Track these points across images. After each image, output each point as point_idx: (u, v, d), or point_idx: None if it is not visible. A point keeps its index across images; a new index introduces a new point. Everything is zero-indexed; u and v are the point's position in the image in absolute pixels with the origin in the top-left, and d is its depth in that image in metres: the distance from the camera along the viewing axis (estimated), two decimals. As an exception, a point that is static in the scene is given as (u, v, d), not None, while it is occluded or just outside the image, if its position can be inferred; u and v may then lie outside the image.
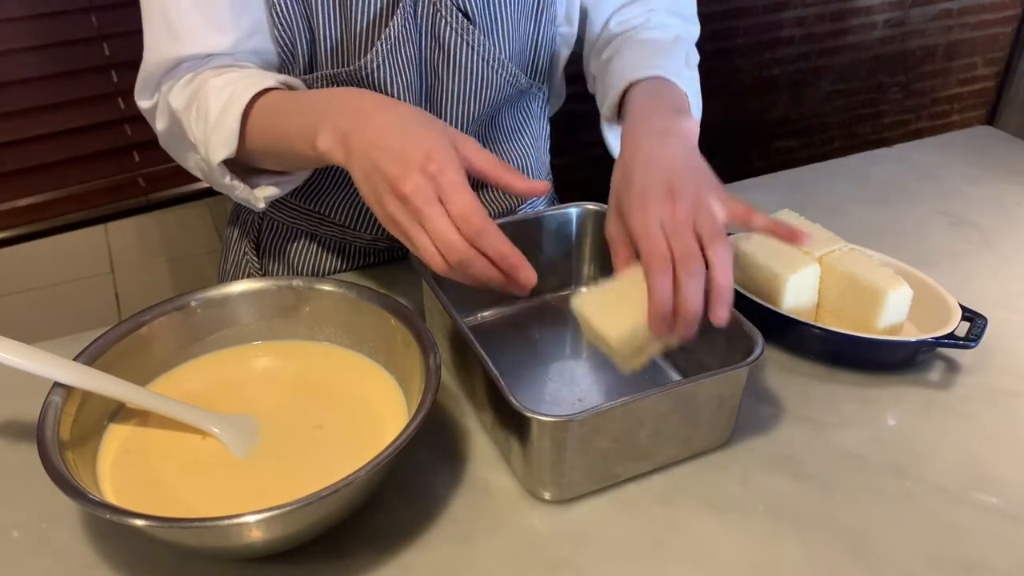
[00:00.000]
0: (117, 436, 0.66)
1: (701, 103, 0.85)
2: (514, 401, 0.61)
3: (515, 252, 0.63)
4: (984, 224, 1.03)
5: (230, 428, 0.66)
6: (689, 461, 0.69)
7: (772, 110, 2.29)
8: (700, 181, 0.65)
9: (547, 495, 0.65)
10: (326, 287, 0.74)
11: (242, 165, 0.78)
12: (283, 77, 0.77)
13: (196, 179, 0.84)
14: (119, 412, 0.68)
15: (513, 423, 0.64)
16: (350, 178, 0.66)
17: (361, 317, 0.72)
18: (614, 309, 0.66)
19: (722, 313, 0.61)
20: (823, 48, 2.26)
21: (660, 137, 0.70)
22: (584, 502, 0.66)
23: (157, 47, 0.77)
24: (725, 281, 0.61)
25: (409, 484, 0.67)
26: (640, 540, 0.63)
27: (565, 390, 0.76)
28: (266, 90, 0.73)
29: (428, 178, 0.61)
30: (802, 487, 0.67)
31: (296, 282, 0.74)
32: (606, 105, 0.84)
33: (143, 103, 0.81)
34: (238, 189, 0.77)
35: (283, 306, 0.74)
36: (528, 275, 0.64)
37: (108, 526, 0.63)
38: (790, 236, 0.66)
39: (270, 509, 0.53)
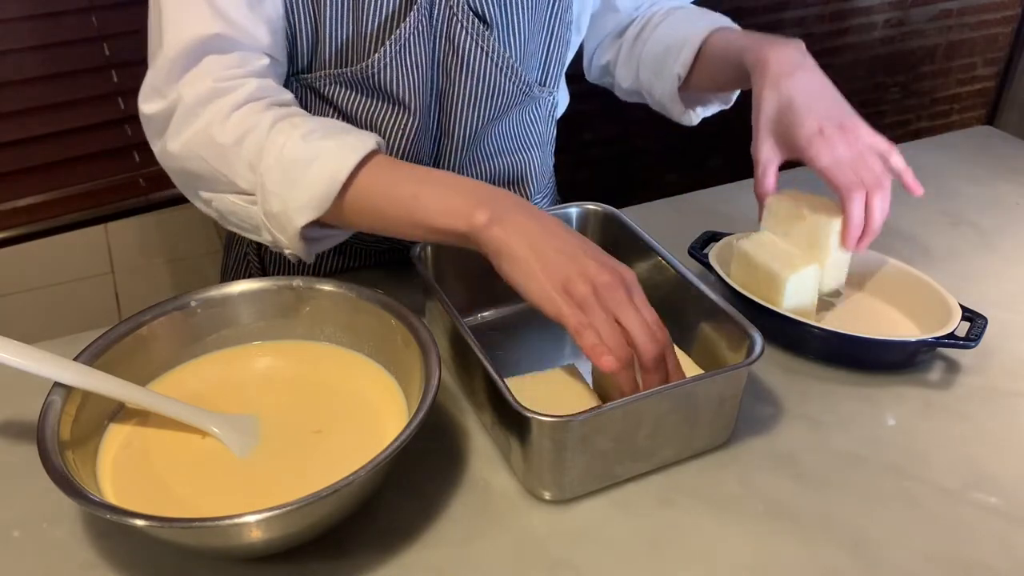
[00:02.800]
0: (117, 436, 0.66)
1: None
2: (514, 401, 0.61)
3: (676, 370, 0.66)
4: (984, 224, 1.03)
5: (230, 428, 0.66)
6: (689, 461, 0.69)
7: (772, 110, 2.28)
8: (858, 119, 0.79)
9: (547, 495, 0.65)
10: (326, 287, 0.74)
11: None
12: (376, 136, 0.71)
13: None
14: (119, 412, 0.68)
15: (513, 423, 0.64)
16: None
17: (361, 317, 0.72)
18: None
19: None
20: (823, 48, 2.26)
21: (804, 69, 0.80)
22: (584, 502, 0.66)
23: (188, 25, 0.69)
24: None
25: (409, 484, 0.67)
26: (640, 540, 0.63)
27: (565, 390, 0.76)
28: (371, 154, 0.68)
29: (622, 281, 0.63)
30: (802, 487, 0.67)
31: (296, 282, 0.74)
32: (679, 63, 0.90)
33: (151, 106, 0.72)
34: (297, 247, 0.71)
35: (283, 306, 0.74)
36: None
37: (108, 526, 0.63)
38: (913, 186, 0.81)
39: (270, 509, 0.53)
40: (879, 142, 0.79)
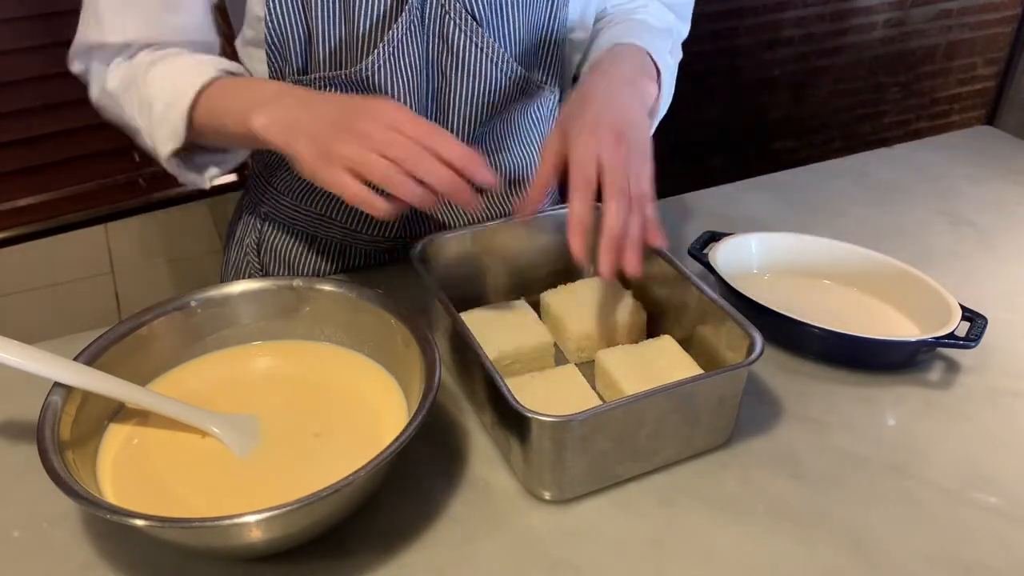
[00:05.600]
0: (117, 436, 0.66)
1: (671, 96, 0.88)
2: (514, 401, 0.61)
3: (474, 152, 0.64)
4: (984, 224, 1.03)
5: (230, 428, 0.66)
6: (689, 461, 0.69)
7: (772, 110, 2.29)
8: (646, 145, 0.72)
9: (547, 495, 0.65)
10: (326, 287, 0.74)
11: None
12: (226, 64, 0.78)
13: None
14: (119, 412, 0.68)
15: (513, 423, 0.64)
16: None
17: (361, 317, 0.72)
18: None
19: (634, 260, 0.67)
20: (823, 48, 2.26)
21: (626, 85, 0.76)
22: (584, 502, 0.66)
23: (85, 29, 0.80)
24: (637, 233, 0.68)
25: (409, 484, 0.67)
26: (640, 540, 0.63)
27: (565, 390, 0.76)
28: (210, 82, 0.75)
29: (399, 131, 0.63)
30: (802, 487, 0.67)
31: (296, 282, 0.74)
32: (588, 64, 0.87)
33: (75, 67, 0.83)
34: (185, 176, 0.81)
35: (283, 306, 0.74)
36: (487, 175, 0.65)
37: (108, 526, 0.63)
38: (655, 237, 0.70)
39: (270, 509, 0.53)
40: (645, 183, 0.70)
